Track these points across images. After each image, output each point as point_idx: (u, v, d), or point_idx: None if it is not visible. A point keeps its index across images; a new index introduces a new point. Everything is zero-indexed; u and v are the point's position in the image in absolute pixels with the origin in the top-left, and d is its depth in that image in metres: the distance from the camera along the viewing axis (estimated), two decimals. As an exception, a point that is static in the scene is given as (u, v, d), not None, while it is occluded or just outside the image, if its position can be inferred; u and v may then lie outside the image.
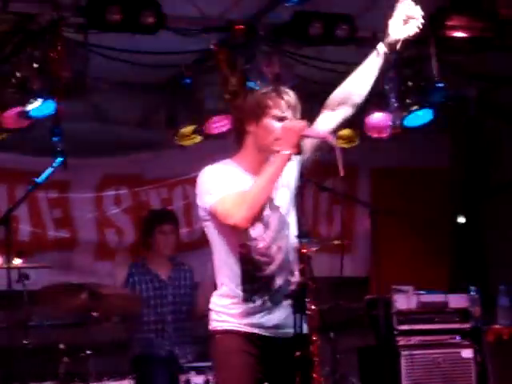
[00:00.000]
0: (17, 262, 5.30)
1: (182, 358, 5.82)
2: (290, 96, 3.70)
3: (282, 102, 3.65)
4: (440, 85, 6.02)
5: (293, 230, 3.66)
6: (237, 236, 3.60)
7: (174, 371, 5.62)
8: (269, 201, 3.57)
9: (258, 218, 3.52)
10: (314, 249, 3.69)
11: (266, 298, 3.64)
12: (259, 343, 3.64)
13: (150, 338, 5.99)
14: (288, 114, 3.65)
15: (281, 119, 3.64)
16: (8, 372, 5.17)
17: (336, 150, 3.40)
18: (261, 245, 3.63)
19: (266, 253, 3.63)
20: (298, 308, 3.50)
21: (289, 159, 3.50)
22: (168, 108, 6.51)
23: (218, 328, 3.69)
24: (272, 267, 3.63)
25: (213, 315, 3.73)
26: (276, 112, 3.64)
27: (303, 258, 3.52)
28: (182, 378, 5.45)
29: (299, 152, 3.50)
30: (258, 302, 3.63)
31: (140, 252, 6.35)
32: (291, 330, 3.60)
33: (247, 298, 3.64)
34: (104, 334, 5.94)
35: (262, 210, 3.52)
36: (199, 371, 5.46)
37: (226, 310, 3.68)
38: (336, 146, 3.44)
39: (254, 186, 3.51)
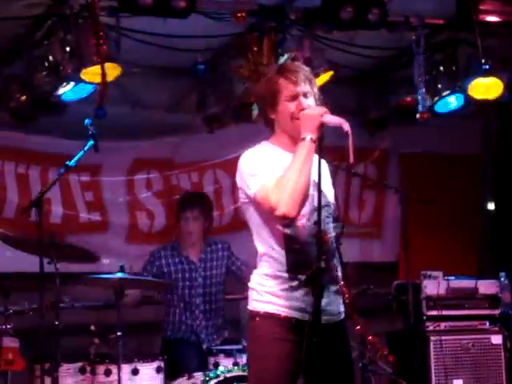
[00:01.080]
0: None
1: (209, 341, 5.87)
2: (297, 71, 3.72)
3: (288, 82, 3.67)
4: (486, 66, 5.97)
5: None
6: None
7: (203, 353, 5.66)
8: (309, 188, 3.56)
9: (302, 205, 3.52)
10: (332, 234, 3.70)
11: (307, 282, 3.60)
12: (298, 327, 3.59)
13: (179, 321, 6.04)
14: (299, 89, 3.67)
15: (293, 98, 3.67)
16: (39, 352, 5.22)
17: (349, 138, 3.45)
18: (307, 223, 3.62)
19: (311, 233, 3.60)
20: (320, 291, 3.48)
21: (314, 143, 3.52)
22: (198, 92, 6.52)
23: (260, 310, 3.68)
24: (316, 248, 3.58)
25: (254, 294, 3.72)
26: (286, 94, 3.67)
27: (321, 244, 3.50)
28: (211, 360, 5.50)
29: (320, 137, 3.53)
30: (297, 286, 3.61)
31: (173, 234, 6.38)
32: (334, 317, 3.65)
33: (292, 278, 3.62)
34: (134, 316, 5.99)
35: (304, 197, 3.51)
36: (228, 354, 5.49)
37: (270, 290, 3.66)
38: (349, 133, 3.47)
39: (288, 175, 3.51)
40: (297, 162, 3.52)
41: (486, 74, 6.05)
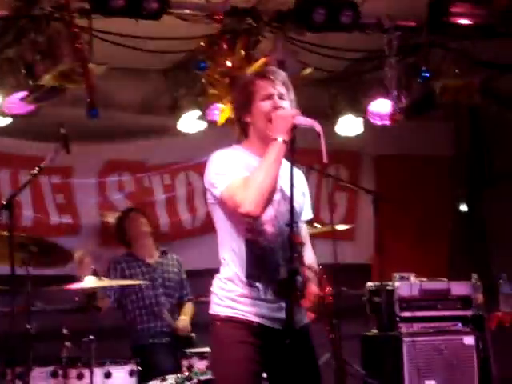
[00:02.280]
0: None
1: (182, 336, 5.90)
2: (274, 72, 3.74)
3: (265, 82, 3.68)
4: (426, 74, 6.03)
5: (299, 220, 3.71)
6: (245, 220, 3.59)
7: (177, 356, 5.64)
8: (276, 189, 3.56)
9: (267, 205, 3.52)
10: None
11: (269, 287, 3.62)
12: (260, 332, 3.61)
13: (147, 326, 6.03)
14: (274, 90, 3.68)
15: (268, 98, 3.67)
16: (11, 356, 5.17)
17: (321, 138, 3.47)
18: (270, 229, 3.63)
19: (274, 239, 3.63)
20: (288, 295, 3.50)
21: (285, 144, 3.52)
22: (170, 94, 6.50)
23: (220, 314, 3.66)
24: (278, 255, 3.63)
25: (214, 299, 3.71)
26: (261, 93, 3.67)
27: (295, 246, 3.52)
28: (185, 363, 5.48)
29: (292, 138, 3.53)
30: (261, 290, 3.62)
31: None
32: (298, 322, 3.63)
33: (250, 284, 3.62)
34: (106, 320, 5.96)
35: (270, 197, 3.51)
36: (201, 356, 5.48)
37: (229, 295, 3.65)
38: (321, 134, 3.48)
39: (256, 174, 3.52)
40: (265, 162, 3.52)
41: (458, 76, 6.09)
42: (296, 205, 3.62)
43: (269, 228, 3.63)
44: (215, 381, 3.72)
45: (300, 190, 3.76)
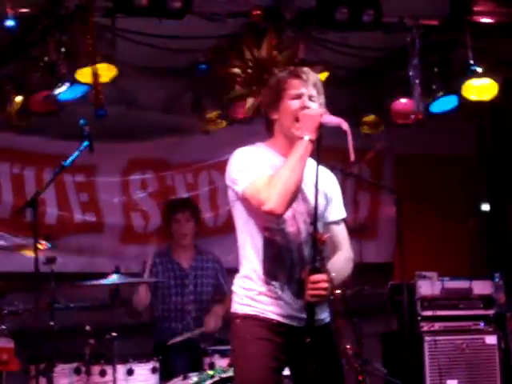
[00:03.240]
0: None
1: (199, 343, 5.87)
2: (307, 73, 3.73)
3: (297, 81, 3.68)
4: (475, 68, 6.00)
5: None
6: (265, 218, 3.60)
7: (198, 354, 5.66)
8: (300, 188, 3.56)
9: (291, 204, 3.52)
10: (328, 235, 3.70)
11: (286, 286, 3.64)
12: (280, 330, 3.63)
13: (169, 328, 6.04)
14: (305, 90, 3.67)
15: (298, 96, 3.67)
16: (34, 353, 5.22)
17: (348, 136, 3.46)
18: (287, 229, 3.65)
19: (291, 239, 3.64)
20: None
21: (311, 144, 3.52)
22: (194, 93, 6.53)
23: (239, 312, 3.69)
24: (295, 255, 3.65)
25: (235, 297, 3.74)
26: (291, 92, 3.67)
27: (317, 244, 3.51)
28: (207, 360, 5.48)
29: (319, 138, 3.53)
30: (278, 289, 3.64)
31: (165, 239, 6.38)
32: (320, 320, 3.62)
33: (268, 282, 3.64)
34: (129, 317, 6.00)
35: (294, 196, 3.51)
36: (223, 354, 5.49)
37: (248, 293, 3.68)
38: (349, 132, 3.48)
39: (281, 172, 3.51)
40: (291, 160, 3.51)
41: (481, 75, 6.07)
42: (311, 203, 3.62)
43: (287, 228, 3.64)
44: (235, 376, 3.74)
45: (322, 190, 3.70)
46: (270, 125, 3.78)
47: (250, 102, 6.07)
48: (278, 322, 3.63)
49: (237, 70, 5.92)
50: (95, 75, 5.27)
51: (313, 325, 3.49)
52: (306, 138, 3.52)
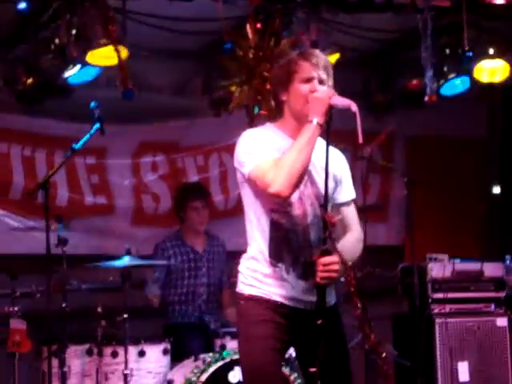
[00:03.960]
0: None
1: (210, 325, 5.90)
2: (318, 56, 3.70)
3: (307, 64, 3.66)
4: (469, 54, 5.97)
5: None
6: (272, 200, 3.60)
7: (209, 336, 5.68)
8: (307, 171, 3.56)
9: (297, 187, 3.52)
10: (339, 217, 3.70)
11: (291, 268, 3.65)
12: (284, 311, 3.64)
13: (181, 310, 6.07)
14: (315, 74, 3.65)
15: (308, 80, 3.65)
16: (47, 334, 5.25)
17: (357, 118, 3.44)
18: (294, 212, 3.65)
19: (298, 222, 3.64)
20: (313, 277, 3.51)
21: (320, 127, 3.51)
22: (204, 75, 6.51)
23: (244, 292, 3.71)
24: (301, 238, 3.65)
25: (240, 277, 3.76)
26: (302, 75, 3.66)
27: (327, 226, 3.50)
28: (218, 342, 5.51)
29: (328, 120, 3.52)
30: (283, 271, 3.65)
31: (175, 223, 6.38)
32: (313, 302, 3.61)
33: (273, 264, 3.65)
34: (140, 299, 6.02)
35: (300, 179, 3.50)
36: (234, 336, 5.50)
37: (253, 274, 3.69)
38: (358, 114, 3.46)
39: (288, 155, 3.51)
40: (298, 143, 3.51)
41: (492, 56, 6.04)
42: (320, 186, 3.62)
43: (293, 211, 3.64)
44: (240, 356, 3.78)
45: (331, 172, 3.65)
46: (280, 105, 3.78)
47: (236, 94, 6.02)
48: (282, 303, 3.65)
49: (242, 53, 5.88)
50: (119, 55, 5.25)
51: (324, 307, 3.50)
52: (315, 121, 3.50)
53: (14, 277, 5.52)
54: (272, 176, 3.49)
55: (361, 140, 3.41)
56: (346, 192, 3.82)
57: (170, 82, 6.67)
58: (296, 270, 3.65)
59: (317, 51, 3.79)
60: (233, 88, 5.90)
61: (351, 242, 3.77)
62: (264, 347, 3.60)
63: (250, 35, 5.66)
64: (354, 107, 3.49)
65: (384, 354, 3.71)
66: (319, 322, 3.46)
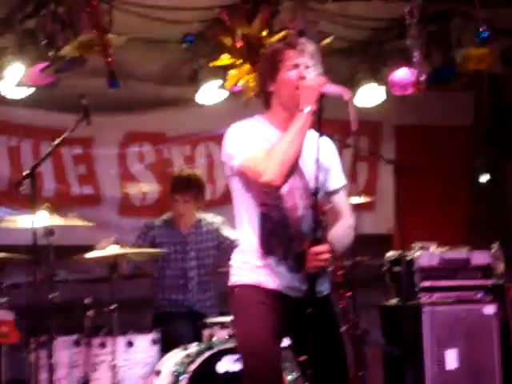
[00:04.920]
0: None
1: (203, 313, 5.88)
2: (303, 43, 3.70)
3: (293, 52, 3.65)
4: (485, 34, 5.94)
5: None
6: (262, 193, 3.60)
7: (198, 326, 5.68)
8: (298, 160, 3.54)
9: (289, 176, 3.50)
10: (329, 205, 3.70)
11: (283, 261, 3.64)
12: (279, 298, 3.64)
13: (170, 297, 6.04)
14: (303, 59, 3.64)
15: (295, 67, 3.64)
16: (34, 325, 5.24)
17: (350, 106, 3.44)
18: (283, 204, 3.63)
19: (287, 215, 3.64)
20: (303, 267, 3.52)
21: (312, 115, 3.50)
22: (191, 65, 6.49)
23: (237, 283, 3.71)
24: (291, 230, 3.65)
25: (233, 271, 3.75)
26: (288, 62, 3.64)
27: (317, 215, 3.51)
28: (206, 332, 5.50)
29: (320, 108, 3.50)
30: (274, 264, 3.64)
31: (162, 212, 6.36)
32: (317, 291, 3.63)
33: (265, 257, 3.65)
34: (128, 290, 6.00)
35: (292, 168, 3.49)
36: (223, 326, 5.51)
37: (247, 266, 3.69)
38: (351, 101, 3.46)
39: (280, 144, 3.50)
40: (290, 133, 3.49)
41: (478, 45, 6.04)
42: (312, 177, 3.59)
43: (283, 203, 3.63)
44: (237, 339, 3.77)
45: (320, 162, 3.63)
46: (267, 97, 3.75)
47: (232, 73, 6.00)
48: (277, 290, 3.64)
49: (227, 42, 5.85)
50: (105, 46, 5.22)
51: (314, 296, 3.50)
52: (306, 109, 3.49)
53: (1, 268, 5.50)
54: (264, 165, 3.47)
55: (355, 127, 3.39)
56: (336, 179, 3.81)
57: (156, 71, 6.65)
58: (287, 263, 3.64)
59: (302, 39, 3.78)
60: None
61: (343, 228, 3.76)
62: (264, 327, 3.59)
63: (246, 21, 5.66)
64: (347, 94, 3.49)
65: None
66: (309, 310, 3.46)
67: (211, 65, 5.99)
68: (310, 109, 3.49)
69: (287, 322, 3.65)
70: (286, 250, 3.64)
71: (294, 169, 3.51)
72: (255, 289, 3.65)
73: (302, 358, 3.50)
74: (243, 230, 3.71)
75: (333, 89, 3.53)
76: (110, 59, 5.25)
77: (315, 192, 3.51)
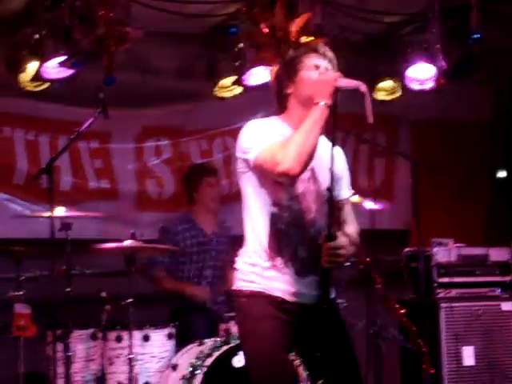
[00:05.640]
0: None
1: (215, 310, 5.87)
2: (323, 48, 3.73)
3: (314, 54, 3.69)
4: (477, 36, 5.92)
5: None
6: (276, 191, 3.60)
7: (214, 320, 5.68)
8: (315, 152, 3.53)
9: (306, 165, 3.49)
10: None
11: (290, 263, 3.62)
12: (286, 307, 3.62)
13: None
14: (322, 62, 3.66)
15: (315, 68, 3.66)
16: (51, 319, 5.25)
17: (366, 99, 3.44)
18: (296, 206, 3.62)
19: (299, 217, 3.63)
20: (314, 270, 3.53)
21: (327, 109, 3.49)
22: (208, 59, 6.48)
23: (244, 289, 3.67)
24: (301, 233, 3.63)
25: (239, 274, 3.72)
26: (309, 63, 3.67)
27: (333, 211, 3.51)
28: (222, 326, 5.50)
29: (335, 102, 3.50)
30: (282, 265, 3.62)
31: (184, 205, 6.36)
32: (315, 297, 3.62)
33: (272, 257, 3.62)
34: (145, 284, 6.01)
35: (309, 158, 3.47)
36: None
37: (253, 269, 3.66)
38: (367, 94, 3.46)
39: (297, 135, 3.49)
40: (306, 124, 3.48)
41: (499, 39, 6.00)
42: (325, 184, 3.60)
43: (295, 205, 3.63)
44: (245, 355, 3.72)
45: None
46: (284, 99, 3.75)
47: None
48: (284, 299, 3.62)
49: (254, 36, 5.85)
50: (107, 43, 5.23)
51: (328, 291, 3.48)
52: (322, 103, 3.48)
53: (19, 261, 5.51)
54: (281, 155, 3.45)
55: (371, 120, 3.40)
56: (345, 189, 3.84)
57: (174, 65, 6.64)
58: (295, 266, 3.63)
59: (322, 44, 3.82)
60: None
61: (351, 232, 3.78)
62: (273, 344, 3.57)
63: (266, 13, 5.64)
64: (363, 88, 3.48)
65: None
66: (324, 306, 3.45)
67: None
68: (325, 102, 3.48)
69: (296, 331, 3.63)
70: (293, 252, 3.63)
71: (311, 159, 3.49)
72: (262, 299, 3.61)
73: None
74: (252, 229, 3.68)
75: (347, 82, 3.53)
76: (111, 56, 5.25)
77: (330, 187, 3.49)
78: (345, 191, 3.84)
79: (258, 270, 3.64)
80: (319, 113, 3.48)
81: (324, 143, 3.61)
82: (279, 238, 3.62)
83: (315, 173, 3.65)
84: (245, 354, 3.73)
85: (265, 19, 5.63)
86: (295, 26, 5.43)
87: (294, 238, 3.62)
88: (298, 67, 3.68)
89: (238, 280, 3.71)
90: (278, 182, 3.58)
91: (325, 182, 3.60)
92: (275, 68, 4.03)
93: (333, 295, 3.74)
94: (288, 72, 3.72)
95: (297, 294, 3.62)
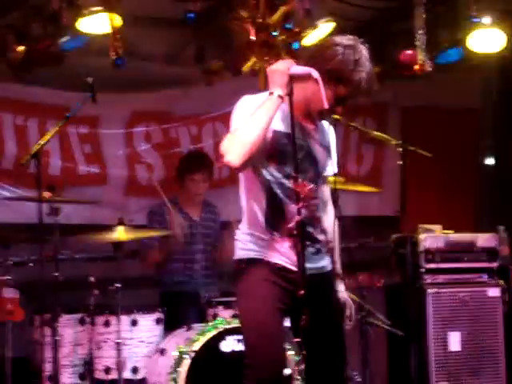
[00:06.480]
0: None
1: (208, 293, 5.89)
2: None
3: None
4: (476, 20, 5.92)
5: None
6: (270, 170, 3.65)
7: (202, 305, 5.69)
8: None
9: (249, 157, 3.50)
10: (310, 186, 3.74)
11: (286, 238, 3.67)
12: (283, 274, 3.67)
13: (177, 277, 6.07)
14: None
15: None
16: (39, 303, 5.25)
17: (319, 84, 3.47)
18: (289, 184, 3.64)
19: (291, 195, 3.63)
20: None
21: (280, 99, 3.52)
22: (197, 44, 6.46)
23: (244, 257, 3.74)
24: (294, 210, 3.62)
25: (238, 244, 3.79)
26: None
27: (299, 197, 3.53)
28: (210, 311, 5.51)
29: (290, 91, 3.52)
30: (278, 240, 3.68)
31: (172, 189, 6.36)
32: (318, 269, 3.71)
33: (269, 232, 3.68)
34: (133, 269, 6.02)
35: (253, 149, 3.49)
36: (227, 305, 5.52)
37: (251, 238, 3.73)
38: (319, 80, 3.49)
39: (244, 125, 3.52)
40: (256, 115, 3.52)
41: (488, 26, 6.00)
42: (320, 161, 3.70)
43: (288, 183, 3.65)
44: (240, 315, 3.77)
45: (326, 145, 3.78)
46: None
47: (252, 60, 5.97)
48: (284, 266, 3.67)
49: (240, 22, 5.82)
50: (112, 23, 5.21)
51: (304, 272, 3.48)
52: (276, 93, 3.51)
53: (7, 245, 5.51)
54: (226, 146, 3.50)
55: (326, 105, 3.46)
56: (330, 167, 3.88)
57: (162, 50, 6.62)
58: (291, 239, 3.65)
59: None
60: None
61: (333, 218, 3.88)
62: (269, 306, 3.62)
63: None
64: (315, 74, 3.51)
65: None
66: (301, 293, 3.45)
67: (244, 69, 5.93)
68: (279, 92, 3.51)
69: (291, 299, 3.65)
70: (288, 230, 3.64)
71: (254, 151, 3.50)
72: (262, 265, 3.68)
73: (296, 340, 3.51)
74: (249, 205, 3.74)
75: (299, 70, 3.56)
76: (115, 37, 5.23)
77: (295, 173, 3.50)
78: (329, 168, 3.88)
79: (257, 240, 3.71)
80: (271, 103, 3.52)
81: (323, 124, 3.69)
82: (274, 215, 3.68)
83: (311, 151, 3.71)
84: (239, 314, 3.78)
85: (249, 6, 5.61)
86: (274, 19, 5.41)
87: (289, 214, 3.64)
88: None
89: (238, 249, 3.78)
90: (271, 159, 3.62)
91: (321, 159, 3.71)
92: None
93: (328, 268, 3.82)
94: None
95: (294, 264, 3.62)
